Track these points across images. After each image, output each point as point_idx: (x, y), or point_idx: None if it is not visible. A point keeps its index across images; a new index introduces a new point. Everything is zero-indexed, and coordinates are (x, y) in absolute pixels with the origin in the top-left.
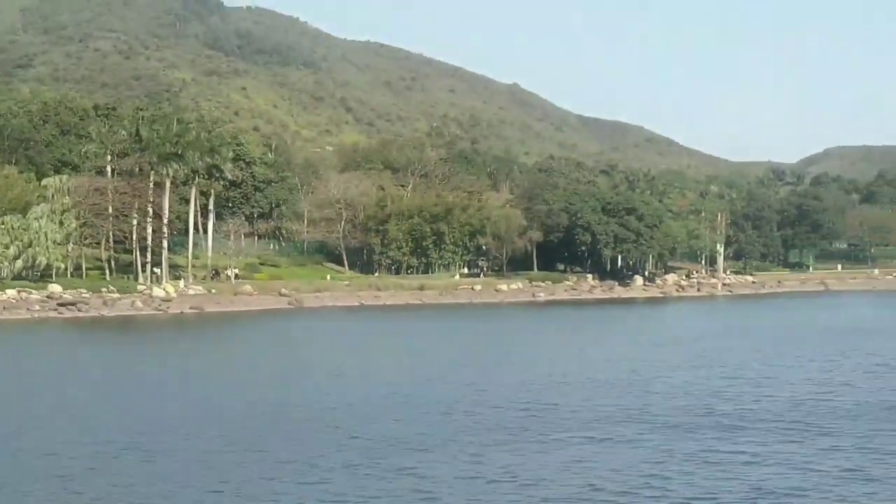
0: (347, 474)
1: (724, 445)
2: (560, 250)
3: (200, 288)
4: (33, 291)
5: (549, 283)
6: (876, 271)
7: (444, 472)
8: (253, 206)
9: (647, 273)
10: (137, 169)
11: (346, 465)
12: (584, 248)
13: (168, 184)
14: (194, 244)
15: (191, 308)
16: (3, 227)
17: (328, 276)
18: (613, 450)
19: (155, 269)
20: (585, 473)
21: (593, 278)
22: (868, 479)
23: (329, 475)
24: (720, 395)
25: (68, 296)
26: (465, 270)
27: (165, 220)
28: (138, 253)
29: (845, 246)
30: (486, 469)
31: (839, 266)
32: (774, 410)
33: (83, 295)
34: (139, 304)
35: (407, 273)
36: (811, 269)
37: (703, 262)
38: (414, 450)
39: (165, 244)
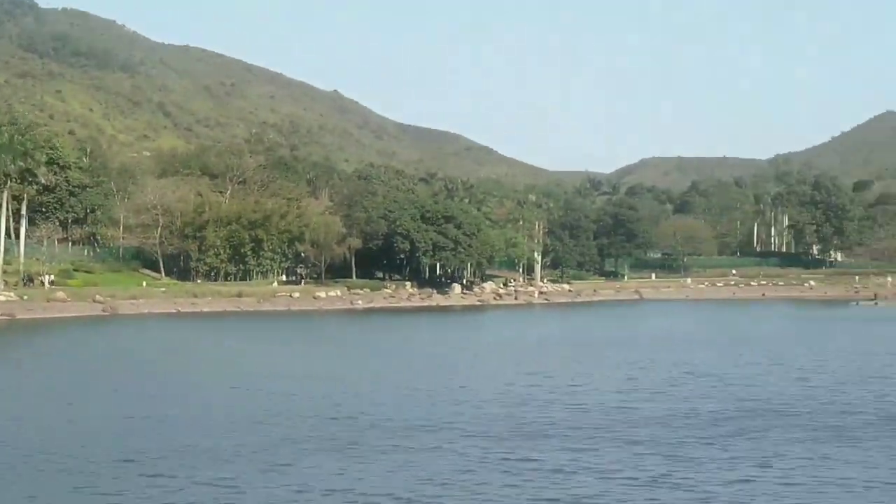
0: (150, 487)
1: (533, 453)
2: (379, 258)
3: (12, 294)
4: None
5: (368, 290)
6: (688, 280)
7: (251, 484)
8: (67, 212)
9: (465, 281)
10: None
11: (150, 476)
12: (402, 255)
13: None
14: (6, 250)
15: (1, 315)
16: None
17: (144, 283)
18: (421, 459)
19: None
20: (391, 483)
21: (412, 286)
22: (674, 487)
23: (130, 488)
24: (530, 403)
25: None
26: (284, 278)
27: None
28: None
29: (659, 255)
30: (294, 479)
31: (653, 275)
32: (584, 418)
33: None
34: None
35: (225, 280)
36: (626, 277)
37: (520, 270)
38: (223, 461)
39: None
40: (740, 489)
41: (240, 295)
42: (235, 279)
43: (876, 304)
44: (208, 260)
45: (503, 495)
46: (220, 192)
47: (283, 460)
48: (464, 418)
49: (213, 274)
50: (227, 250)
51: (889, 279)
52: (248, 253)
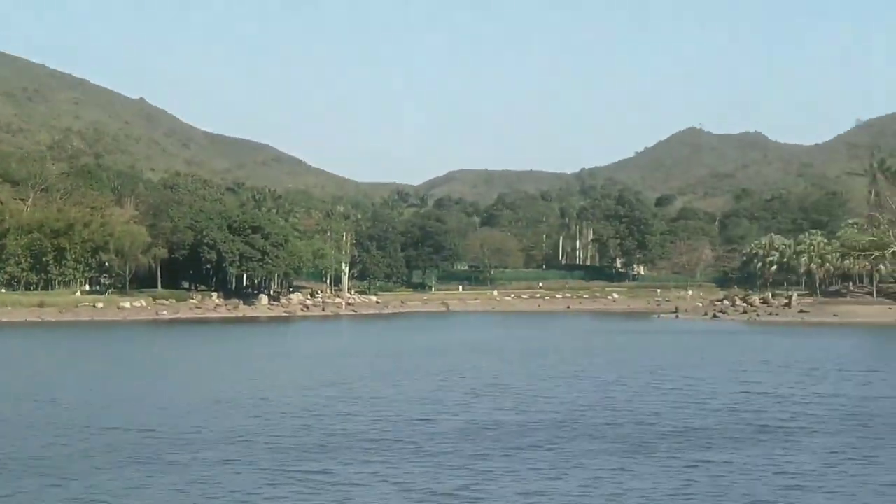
0: None
1: (332, 466)
2: (185, 268)
3: None
4: None
5: (174, 300)
6: (495, 292)
7: (34, 499)
8: None
9: (272, 292)
10: None
11: None
12: (209, 265)
13: None
14: None
15: None
16: None
17: None
18: (218, 472)
19: None
20: (185, 497)
21: (218, 296)
22: (472, 500)
23: None
24: (331, 415)
25: None
26: (87, 287)
27: None
28: None
29: (466, 267)
30: (82, 493)
31: (460, 287)
32: (386, 430)
33: None
34: None
35: (26, 289)
36: (433, 289)
37: (328, 281)
38: (7, 475)
39: None
40: (537, 501)
41: (41, 305)
42: (37, 288)
43: (677, 316)
44: (8, 269)
45: None
46: (22, 200)
47: (71, 474)
48: (264, 430)
49: (13, 283)
50: (29, 259)
51: (689, 292)
52: (51, 262)
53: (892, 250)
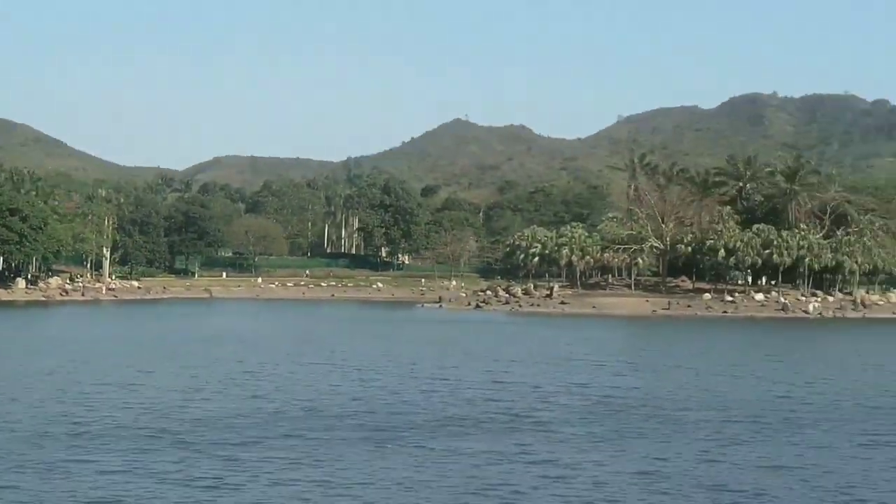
0: None
1: (85, 455)
2: None
3: None
4: None
5: None
6: (259, 280)
7: None
8: None
9: (29, 276)
10: None
11: None
12: None
13: None
14: None
15: None
16: None
17: None
18: None
19: None
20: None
21: None
22: (230, 488)
23: None
24: (84, 403)
25: None
26: None
27: None
28: None
29: (231, 254)
30: None
31: (224, 274)
32: (142, 419)
33: None
34: None
35: None
36: (197, 276)
37: (88, 266)
38: None
39: None
40: (289, 488)
41: None
42: None
43: (440, 306)
44: None
45: (46, 500)
46: None
47: None
48: (9, 418)
49: None
50: None
51: (453, 282)
52: None
53: (649, 244)
